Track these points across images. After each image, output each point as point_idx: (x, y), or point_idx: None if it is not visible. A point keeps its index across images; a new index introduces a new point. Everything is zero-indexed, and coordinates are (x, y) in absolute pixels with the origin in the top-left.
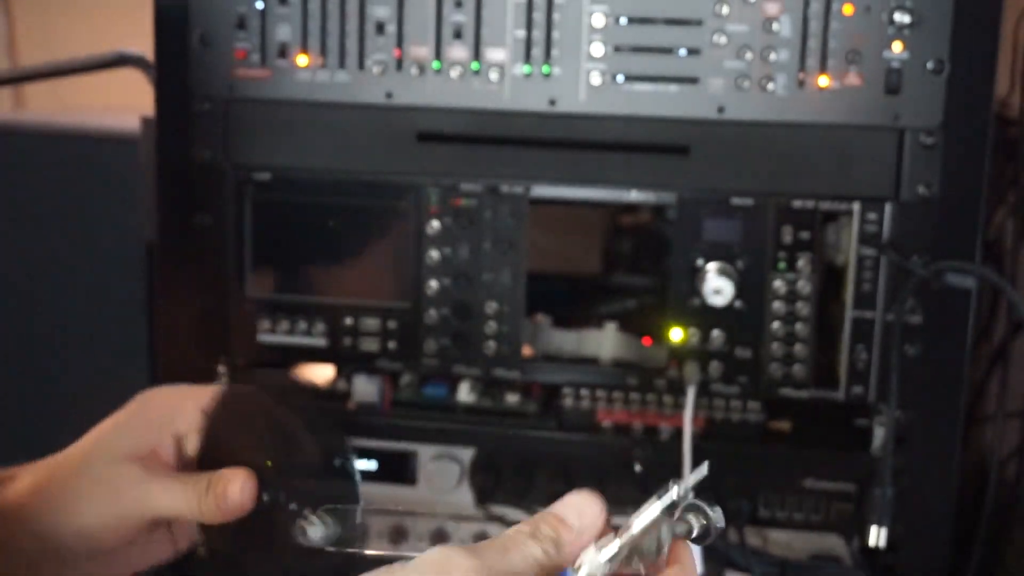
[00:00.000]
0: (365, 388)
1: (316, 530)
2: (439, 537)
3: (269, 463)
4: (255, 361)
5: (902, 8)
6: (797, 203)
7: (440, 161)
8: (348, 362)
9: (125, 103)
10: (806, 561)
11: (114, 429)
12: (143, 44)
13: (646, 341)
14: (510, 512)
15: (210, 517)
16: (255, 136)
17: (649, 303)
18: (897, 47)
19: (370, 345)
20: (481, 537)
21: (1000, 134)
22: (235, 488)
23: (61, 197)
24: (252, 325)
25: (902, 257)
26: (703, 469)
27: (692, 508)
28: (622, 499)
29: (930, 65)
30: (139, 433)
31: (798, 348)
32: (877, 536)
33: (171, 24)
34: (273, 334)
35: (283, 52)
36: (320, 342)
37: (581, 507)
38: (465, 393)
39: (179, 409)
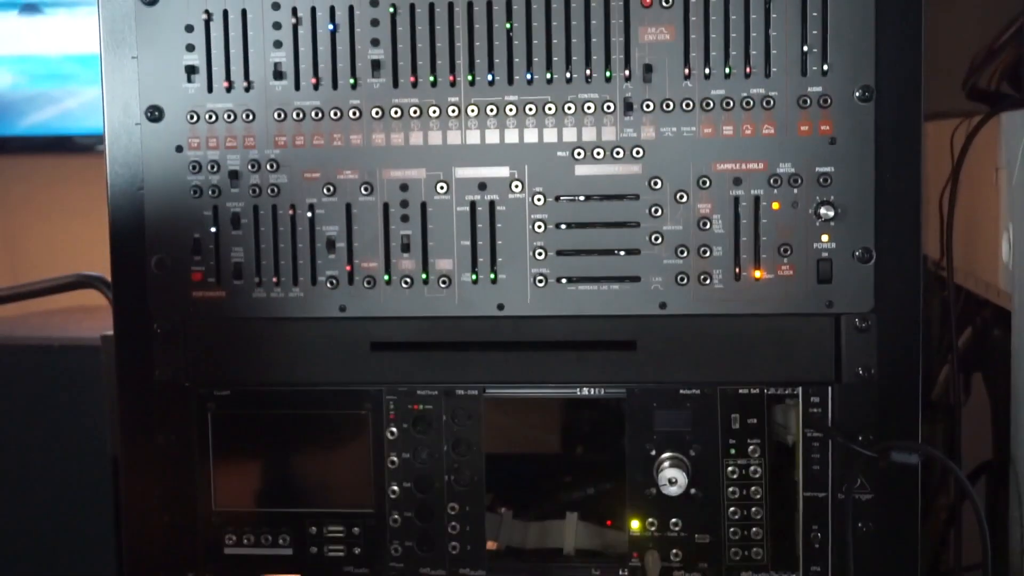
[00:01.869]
0: None
1: None
2: None
3: None
4: (223, 574)
5: (827, 203)
6: (743, 390)
7: (395, 369)
8: (315, 570)
9: (87, 304)
10: None
11: None
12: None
13: (609, 523)
14: None
15: None
16: (214, 354)
17: (609, 488)
18: (824, 238)
19: (336, 552)
20: None
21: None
22: None
23: (24, 407)
24: (219, 538)
25: (847, 439)
26: None
27: None
28: None
29: (857, 253)
30: None
31: (754, 532)
32: None
33: (128, 249)
34: (240, 546)
35: (238, 273)
36: (286, 551)
37: None
38: None
39: None
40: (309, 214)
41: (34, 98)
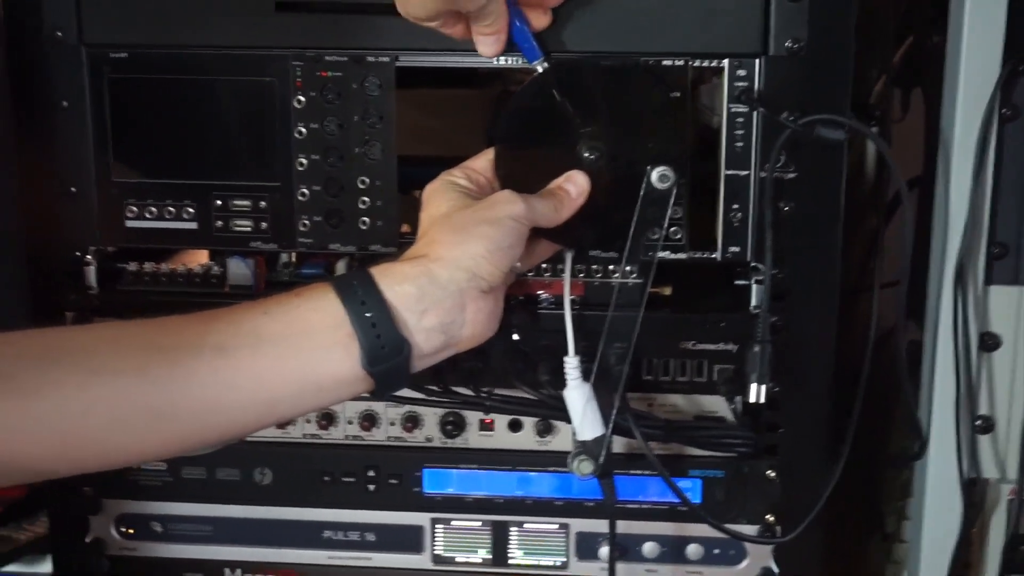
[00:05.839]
0: (239, 270)
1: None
2: None
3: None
4: (125, 247)
5: None
6: (667, 62)
7: (302, 32)
8: (221, 244)
9: None
10: (690, 421)
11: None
12: None
13: None
14: None
15: (565, 215)
16: (109, 13)
17: None
18: None
19: (242, 227)
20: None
21: None
22: (571, 183)
23: None
24: (120, 211)
25: (772, 112)
26: None
27: None
28: None
29: None
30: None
31: (673, 211)
32: (757, 393)
33: None
34: (142, 219)
35: None
36: (191, 225)
37: None
38: (342, 271)
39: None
40: None
41: None
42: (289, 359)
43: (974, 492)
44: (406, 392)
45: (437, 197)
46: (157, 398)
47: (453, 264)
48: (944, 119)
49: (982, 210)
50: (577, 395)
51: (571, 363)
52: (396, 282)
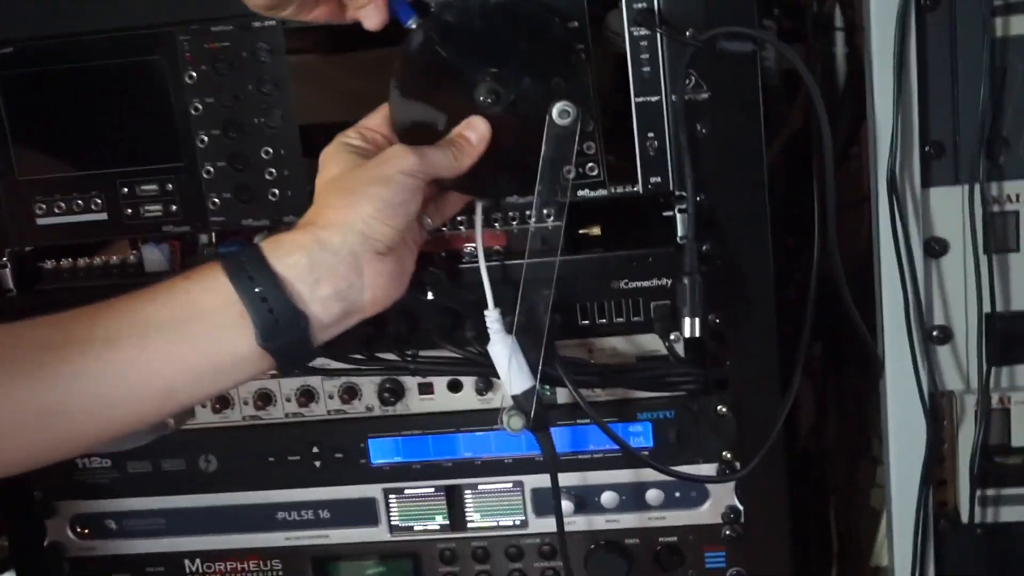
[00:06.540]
0: (153, 256)
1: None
2: None
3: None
4: (39, 245)
5: None
6: None
7: (183, 4)
8: (132, 232)
9: None
10: (630, 363)
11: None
12: None
13: None
14: None
15: (467, 163)
16: None
17: None
18: None
19: (152, 211)
20: None
21: None
22: (470, 129)
23: None
24: (29, 209)
25: (674, 32)
26: None
27: None
28: None
29: None
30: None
31: (587, 146)
32: (691, 327)
33: None
34: (52, 215)
35: None
36: (101, 216)
37: None
38: None
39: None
40: None
41: None
42: (180, 344)
43: (937, 406)
44: (322, 363)
45: (330, 161)
46: (47, 398)
47: (344, 227)
48: (866, 14)
49: (910, 108)
50: (501, 349)
51: (491, 316)
52: (285, 253)
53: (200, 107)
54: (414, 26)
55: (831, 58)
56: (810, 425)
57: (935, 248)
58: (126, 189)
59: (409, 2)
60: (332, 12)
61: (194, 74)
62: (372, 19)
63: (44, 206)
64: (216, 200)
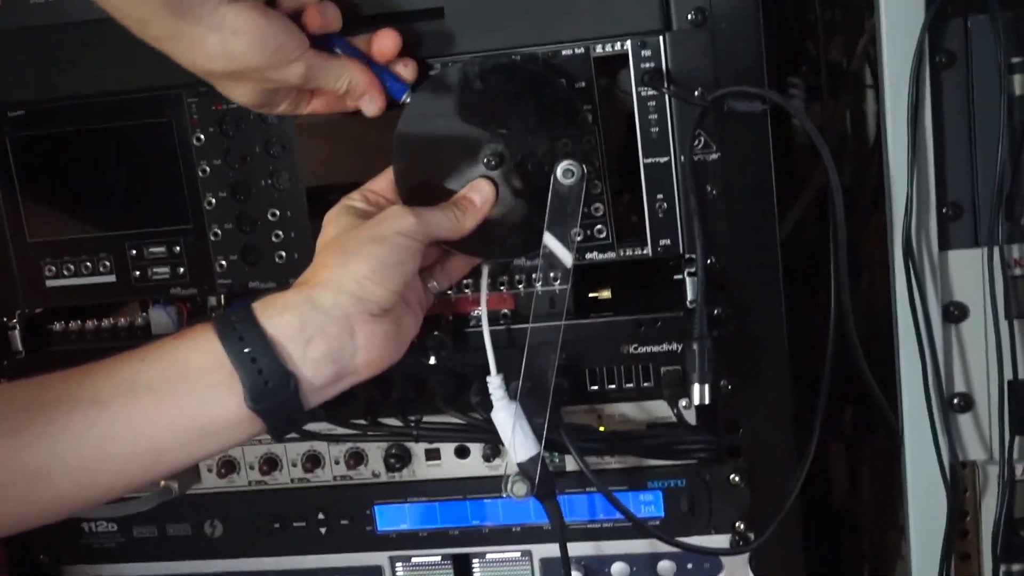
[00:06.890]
0: (160, 319)
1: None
2: None
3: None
4: (47, 308)
5: None
6: (567, 51)
7: None
8: (140, 295)
9: None
10: (640, 430)
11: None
12: None
13: None
14: None
15: (470, 224)
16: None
17: None
18: None
19: (160, 274)
20: None
21: None
22: (475, 191)
23: None
24: (39, 272)
25: (683, 92)
26: None
27: None
28: None
29: None
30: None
31: (595, 208)
32: (700, 394)
33: None
34: (61, 277)
35: None
36: (109, 278)
37: None
38: None
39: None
40: None
41: None
42: (168, 404)
43: (958, 476)
44: (319, 427)
45: (331, 222)
46: (33, 459)
47: (335, 287)
48: (880, 72)
49: (926, 168)
50: (504, 416)
51: (494, 383)
52: (276, 313)
53: (208, 169)
54: (408, 100)
55: (862, 115)
56: (845, 490)
57: (954, 313)
58: (134, 251)
59: (401, 77)
60: (330, 103)
61: (202, 136)
62: (372, 106)
63: (53, 268)
64: (223, 262)
